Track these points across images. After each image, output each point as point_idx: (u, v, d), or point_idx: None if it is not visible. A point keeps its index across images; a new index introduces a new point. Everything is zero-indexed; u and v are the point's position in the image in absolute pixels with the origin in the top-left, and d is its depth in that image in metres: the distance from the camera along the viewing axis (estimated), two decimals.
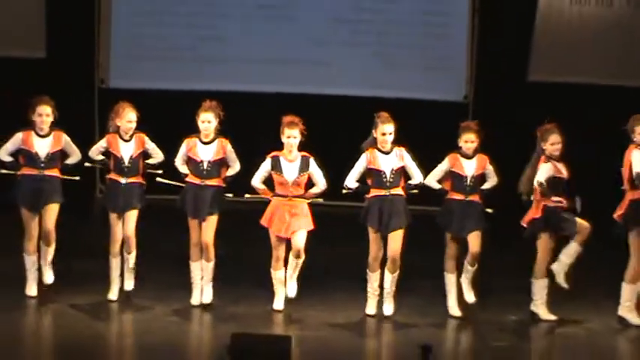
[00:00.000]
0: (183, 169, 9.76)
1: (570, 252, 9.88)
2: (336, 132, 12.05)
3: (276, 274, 9.80)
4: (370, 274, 9.74)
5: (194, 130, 9.97)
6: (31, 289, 9.92)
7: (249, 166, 10.07)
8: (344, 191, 9.70)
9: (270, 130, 10.22)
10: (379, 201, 9.63)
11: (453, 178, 9.75)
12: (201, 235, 9.75)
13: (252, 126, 10.97)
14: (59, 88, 10.67)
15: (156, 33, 13.91)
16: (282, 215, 9.70)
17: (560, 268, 9.90)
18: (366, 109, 10.34)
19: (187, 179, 9.75)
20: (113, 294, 9.82)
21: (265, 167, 9.68)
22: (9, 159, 9.78)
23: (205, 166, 9.68)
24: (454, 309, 9.79)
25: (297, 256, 9.66)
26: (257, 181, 9.71)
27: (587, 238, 9.82)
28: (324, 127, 10.11)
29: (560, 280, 9.90)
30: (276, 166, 9.67)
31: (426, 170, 10.04)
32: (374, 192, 9.64)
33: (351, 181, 9.66)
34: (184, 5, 13.94)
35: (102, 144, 9.75)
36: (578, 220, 9.80)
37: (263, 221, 9.73)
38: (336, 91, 13.69)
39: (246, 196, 9.96)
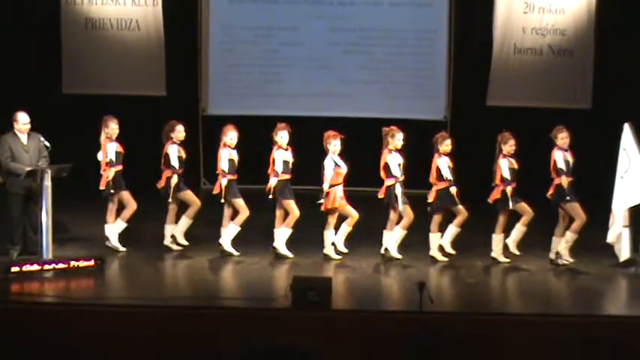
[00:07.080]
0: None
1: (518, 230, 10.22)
2: (355, 142, 12.18)
3: (329, 233, 10.20)
4: None
5: (265, 143, 10.29)
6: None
7: (302, 165, 10.38)
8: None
9: (314, 140, 10.45)
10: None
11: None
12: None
13: (302, 138, 11.15)
14: (175, 115, 11.03)
15: (238, 77, 13.87)
16: (340, 197, 10.04)
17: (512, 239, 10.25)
18: (375, 127, 10.55)
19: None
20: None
21: (330, 165, 10.06)
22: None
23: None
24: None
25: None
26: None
27: (531, 219, 10.10)
28: (348, 139, 10.40)
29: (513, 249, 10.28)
30: (338, 163, 10.07)
31: (412, 169, 10.30)
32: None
33: None
34: (257, 59, 13.87)
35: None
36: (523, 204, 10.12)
37: (334, 204, 9.88)
38: (355, 114, 13.59)
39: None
